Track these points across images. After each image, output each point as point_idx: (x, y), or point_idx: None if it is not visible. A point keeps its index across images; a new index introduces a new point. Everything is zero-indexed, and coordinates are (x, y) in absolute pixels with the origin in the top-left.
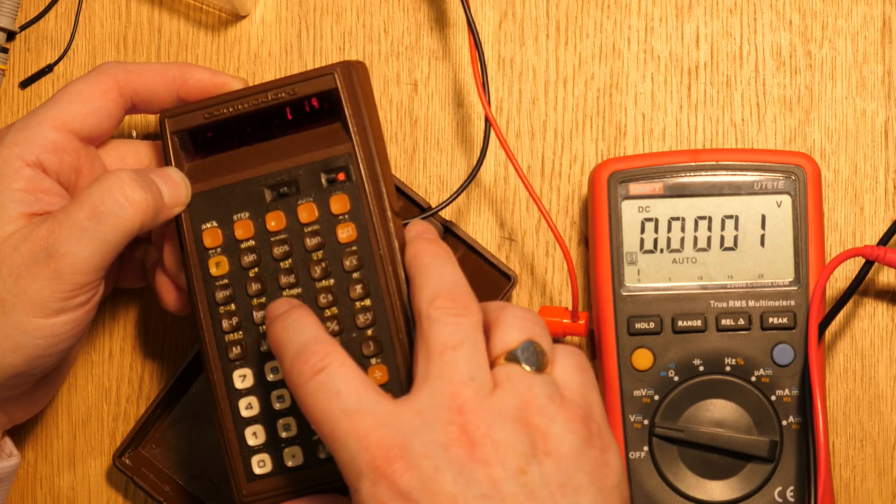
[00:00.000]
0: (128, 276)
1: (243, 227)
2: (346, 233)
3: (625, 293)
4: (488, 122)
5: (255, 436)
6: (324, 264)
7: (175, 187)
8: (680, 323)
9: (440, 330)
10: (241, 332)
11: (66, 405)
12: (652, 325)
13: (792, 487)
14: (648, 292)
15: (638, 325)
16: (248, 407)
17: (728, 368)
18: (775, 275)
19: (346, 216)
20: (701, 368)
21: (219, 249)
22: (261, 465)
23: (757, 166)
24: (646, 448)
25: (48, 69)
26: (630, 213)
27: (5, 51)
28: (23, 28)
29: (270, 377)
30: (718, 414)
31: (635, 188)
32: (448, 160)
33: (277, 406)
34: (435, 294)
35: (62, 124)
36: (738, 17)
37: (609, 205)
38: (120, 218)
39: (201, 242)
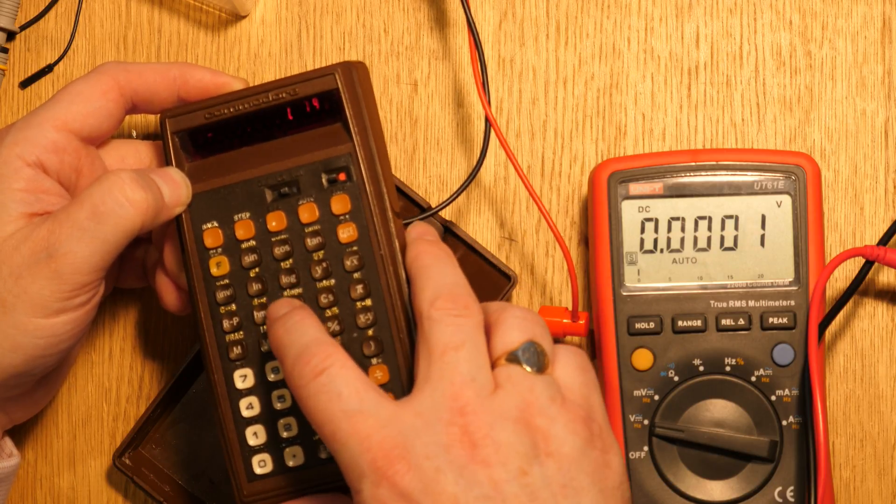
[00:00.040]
0: (128, 276)
1: (244, 228)
2: (346, 233)
3: (625, 293)
4: (488, 122)
5: (255, 436)
6: (325, 264)
7: (176, 187)
8: (680, 323)
9: (441, 331)
10: (241, 332)
11: (66, 405)
12: (652, 325)
13: (792, 487)
14: (648, 292)
15: (638, 325)
16: (249, 407)
17: (728, 368)
18: (775, 275)
19: (347, 216)
20: (701, 368)
21: (219, 249)
22: (261, 464)
23: (757, 166)
24: (646, 448)
25: (48, 69)
26: (630, 213)
27: (5, 51)
28: (23, 28)
29: (271, 377)
30: (718, 414)
31: (635, 188)
32: (448, 160)
33: (278, 406)
34: (436, 295)
35: (63, 124)
36: (738, 17)
37: (609, 205)
38: (120, 218)
39: (202, 242)
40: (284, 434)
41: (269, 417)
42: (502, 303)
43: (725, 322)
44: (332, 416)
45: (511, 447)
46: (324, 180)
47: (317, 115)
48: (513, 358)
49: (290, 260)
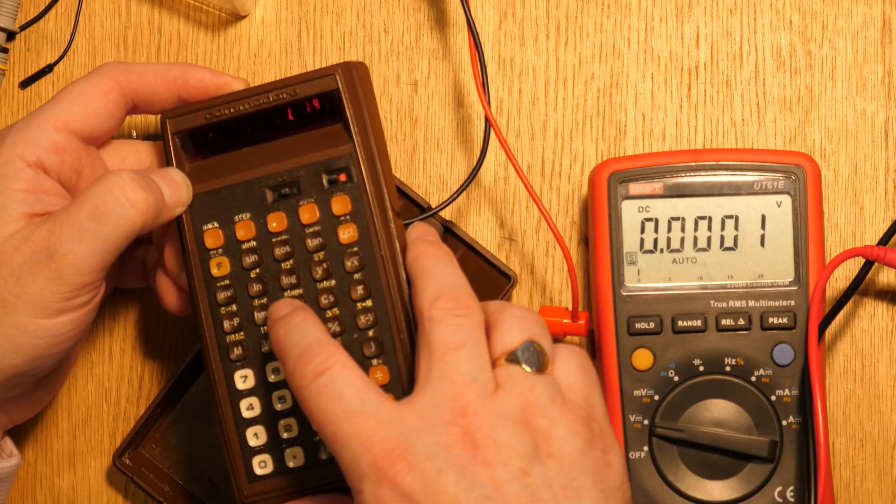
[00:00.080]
0: (128, 277)
1: (245, 228)
2: (347, 233)
3: (625, 293)
4: (488, 122)
5: (256, 436)
6: (325, 265)
7: (176, 188)
8: (680, 323)
9: (442, 331)
10: (242, 333)
11: (66, 405)
12: (652, 325)
13: (792, 487)
14: (648, 292)
15: (638, 325)
16: (250, 408)
17: (728, 368)
18: (775, 275)
19: (348, 217)
20: (701, 368)
21: (220, 250)
22: (262, 465)
23: (757, 166)
24: (646, 448)
25: (48, 69)
26: (630, 213)
27: (5, 51)
28: (23, 28)
29: (272, 378)
30: (718, 414)
31: (635, 188)
32: (448, 160)
33: (279, 407)
34: (436, 295)
35: (63, 125)
36: (738, 17)
37: (609, 205)
38: (121, 218)
39: (202, 243)
40: (285, 435)
41: (269, 418)
42: (502, 302)
43: (725, 322)
44: (334, 416)
45: (512, 448)
46: (324, 181)
47: (317, 115)
48: (512, 358)
49: (291, 261)
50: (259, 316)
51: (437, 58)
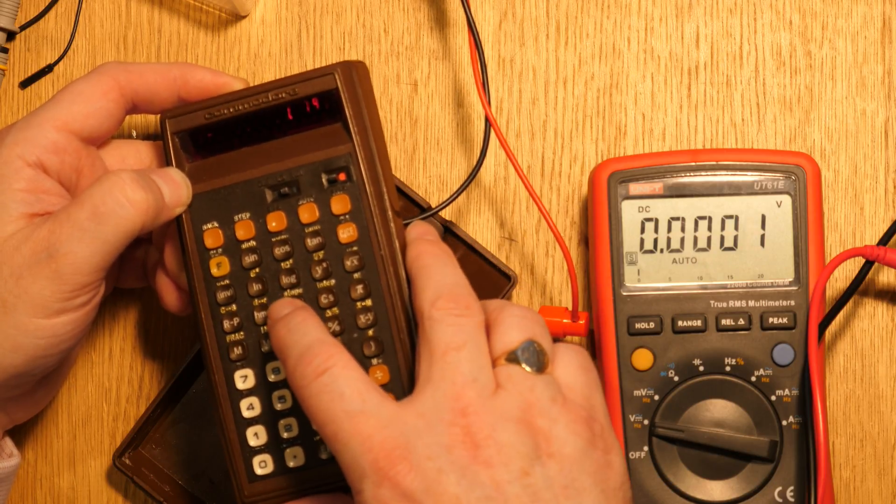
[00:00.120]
0: (128, 277)
1: (244, 228)
2: (346, 233)
3: (625, 293)
4: (488, 122)
5: (256, 436)
6: (325, 264)
7: (176, 188)
8: (680, 323)
9: (442, 331)
10: (242, 333)
11: (66, 405)
12: (652, 325)
13: (792, 487)
14: (648, 292)
15: (638, 325)
16: (250, 407)
17: (728, 368)
18: (775, 275)
19: (347, 216)
20: (701, 368)
21: (220, 250)
22: (262, 465)
23: (757, 166)
24: (646, 448)
25: (48, 69)
26: (630, 213)
27: (5, 51)
28: (23, 28)
29: (272, 377)
30: (718, 414)
31: (635, 188)
32: (448, 160)
33: (279, 406)
34: (437, 295)
35: (63, 125)
36: (738, 17)
37: (609, 205)
38: (121, 218)
39: (202, 243)
40: (285, 434)
41: (269, 418)
42: (501, 301)
43: (725, 322)
44: (334, 416)
45: (513, 448)
46: (324, 180)
47: (317, 114)
48: (512, 357)
49: (291, 260)
50: (259, 315)
51: (437, 58)
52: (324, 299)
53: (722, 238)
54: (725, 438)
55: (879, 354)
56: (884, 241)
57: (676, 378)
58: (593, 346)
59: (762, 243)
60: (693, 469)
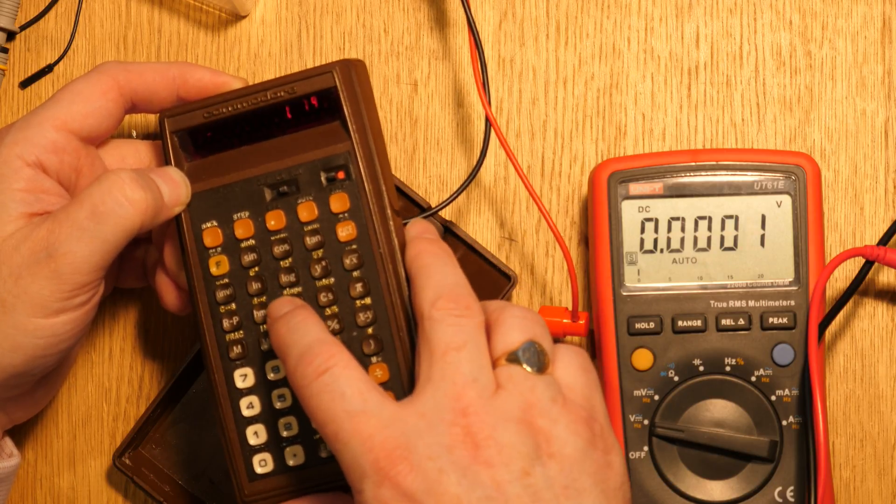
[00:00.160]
0: (128, 276)
1: (243, 227)
2: (345, 231)
3: (625, 293)
4: (488, 122)
5: (256, 435)
6: (324, 263)
7: (175, 187)
8: (680, 323)
9: (443, 331)
10: (241, 332)
11: (66, 405)
12: (652, 325)
13: (792, 487)
14: (648, 292)
15: (638, 325)
16: (250, 406)
17: (728, 368)
18: (775, 275)
19: (346, 214)
20: (701, 368)
21: (219, 249)
22: (262, 464)
23: (757, 166)
24: (646, 448)
25: (48, 69)
26: (630, 213)
27: (5, 51)
28: (23, 28)
29: (271, 376)
30: (718, 414)
31: (635, 188)
32: (448, 160)
33: (278, 405)
34: (437, 295)
35: (62, 124)
36: (738, 17)
37: (609, 205)
38: (120, 218)
39: (201, 242)
40: (285, 433)
41: (269, 416)
42: (502, 302)
43: (725, 322)
44: (335, 415)
45: (513, 448)
46: (322, 179)
47: (315, 113)
48: (513, 358)
49: (290, 259)
50: (258, 314)
51: (437, 58)
52: (323, 298)
53: (722, 238)
54: (725, 438)
55: (879, 354)
56: (884, 241)
57: (676, 378)
58: (593, 346)
59: (762, 243)
60: (693, 469)
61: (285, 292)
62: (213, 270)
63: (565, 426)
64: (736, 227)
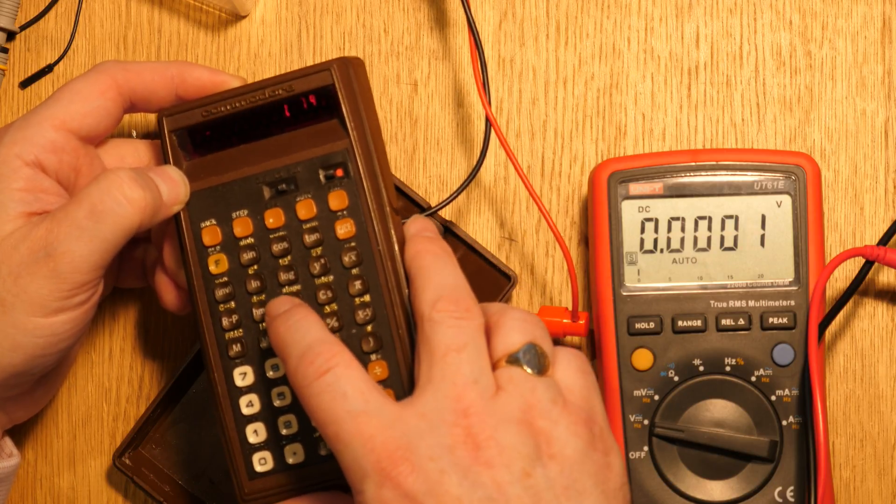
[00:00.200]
0: (128, 276)
1: (242, 225)
2: (344, 229)
3: (625, 293)
4: (488, 122)
5: (256, 433)
6: (323, 261)
7: (174, 185)
8: (680, 323)
9: (443, 333)
10: (241, 330)
11: (66, 405)
12: (652, 325)
13: (792, 487)
14: (648, 292)
15: (638, 325)
16: (249, 404)
17: (728, 368)
18: (775, 275)
19: (345, 212)
20: (701, 368)
21: (218, 247)
22: (262, 462)
23: (757, 166)
24: (646, 448)
25: (48, 69)
26: (630, 213)
27: (5, 51)
28: (23, 28)
29: (271, 374)
30: (718, 414)
31: (635, 188)
32: (448, 160)
33: (278, 403)
34: (437, 297)
35: (61, 123)
36: (738, 17)
37: (609, 205)
38: (119, 217)
39: (200, 240)
40: (284, 431)
41: (269, 415)
42: (502, 304)
43: (725, 322)
44: (336, 416)
45: (514, 449)
46: (321, 177)
47: (314, 111)
48: (514, 360)
49: (289, 257)
50: (257, 313)
51: (437, 58)
52: (322, 295)
53: (722, 238)
54: (725, 438)
55: (879, 354)
56: (884, 241)
57: (676, 378)
58: (593, 346)
59: (762, 243)
60: (693, 469)
61: (284, 290)
62: (212, 269)
63: (566, 427)
64: (736, 227)
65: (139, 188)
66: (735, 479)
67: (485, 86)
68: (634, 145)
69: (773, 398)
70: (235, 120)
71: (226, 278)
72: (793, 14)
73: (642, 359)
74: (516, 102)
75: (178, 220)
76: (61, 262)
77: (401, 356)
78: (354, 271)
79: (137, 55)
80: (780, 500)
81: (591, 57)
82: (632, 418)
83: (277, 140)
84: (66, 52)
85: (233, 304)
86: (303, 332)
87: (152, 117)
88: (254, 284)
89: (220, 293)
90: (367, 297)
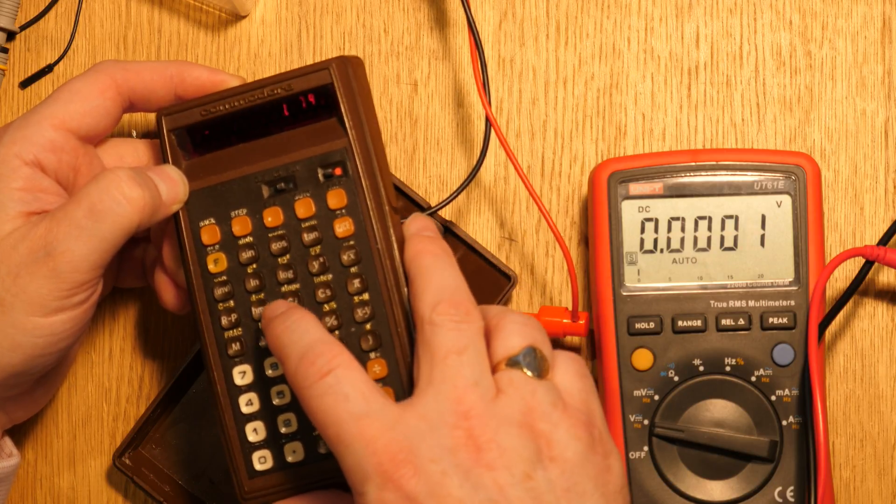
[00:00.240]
0: (127, 276)
1: (241, 224)
2: (343, 227)
3: (625, 293)
4: (488, 122)
5: (255, 432)
6: (322, 259)
7: (173, 185)
8: (680, 323)
9: (444, 335)
10: (240, 329)
11: (66, 405)
12: (652, 325)
13: (792, 487)
14: (648, 292)
15: (638, 325)
16: (249, 403)
17: (728, 368)
18: (775, 275)
19: (344, 211)
20: (701, 368)
21: (217, 246)
22: (262, 461)
23: (757, 166)
24: (646, 448)
25: (48, 69)
26: (630, 213)
27: (5, 51)
28: (23, 28)
29: (270, 373)
30: (718, 414)
31: (635, 188)
32: (448, 160)
33: (277, 402)
34: (437, 300)
35: (60, 123)
36: (738, 17)
37: (609, 205)
38: (118, 216)
39: (199, 239)
40: (284, 430)
41: (268, 413)
42: (501, 307)
43: (725, 322)
44: (338, 418)
45: (515, 451)
46: (320, 175)
47: (312, 110)
48: (514, 363)
49: (288, 255)
50: (256, 311)
51: (437, 58)
52: (321, 294)
53: (722, 238)
54: (725, 438)
55: (879, 354)
56: (884, 241)
57: (676, 378)
58: (593, 346)
59: (762, 243)
60: (693, 469)
61: (283, 289)
62: (211, 268)
63: (566, 430)
64: (736, 227)
65: (138, 187)
66: (735, 479)
67: (485, 86)
68: (634, 145)
69: (773, 398)
70: (234, 119)
71: (225, 277)
72: (793, 14)
73: (642, 359)
74: (516, 102)
75: (177, 219)
76: (60, 261)
77: (399, 354)
78: (353, 270)
79: (137, 55)
80: (780, 500)
81: (591, 57)
82: (632, 418)
83: (276, 139)
84: (66, 52)
85: (232, 302)
86: (301, 332)
87: (152, 117)
88: (253, 283)
89: (218, 292)
90: (365, 296)
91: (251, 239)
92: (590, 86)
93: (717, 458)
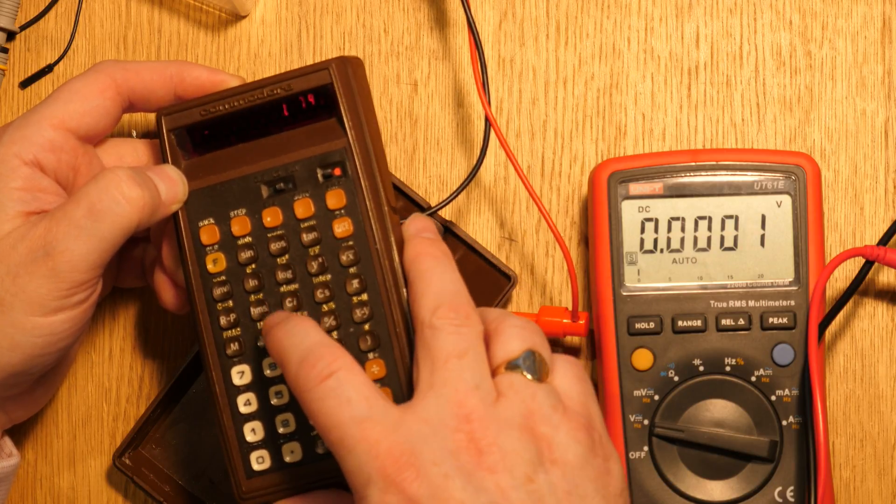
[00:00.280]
0: (127, 276)
1: (240, 224)
2: (342, 228)
3: (625, 293)
4: (488, 122)
5: (253, 432)
6: (321, 259)
7: (172, 184)
8: (680, 323)
9: (444, 339)
10: (238, 329)
11: (66, 405)
12: (652, 325)
13: (792, 487)
14: (648, 292)
15: (638, 325)
16: (247, 403)
17: (728, 368)
18: (775, 275)
19: (343, 211)
20: (701, 368)
21: (216, 246)
22: (260, 461)
23: (757, 166)
24: (646, 448)
25: (48, 69)
26: (630, 213)
27: (5, 51)
28: (23, 28)
29: (268, 373)
30: (718, 414)
31: (635, 188)
32: (448, 160)
33: (275, 402)
34: (437, 303)
35: (60, 123)
36: (738, 17)
37: (609, 205)
38: (117, 216)
39: (198, 239)
40: (282, 430)
41: (266, 413)
42: (500, 311)
43: (725, 322)
44: (340, 421)
45: (516, 454)
46: (319, 175)
47: (312, 110)
48: (514, 366)
49: (286, 255)
50: (255, 311)
51: (437, 58)
52: (320, 294)
53: (722, 238)
54: (725, 438)
55: (879, 354)
56: (884, 241)
57: (676, 378)
58: (593, 346)
59: (762, 243)
60: (693, 469)
61: (282, 289)
62: (210, 268)
63: (566, 433)
64: (736, 227)
65: (137, 187)
66: (735, 479)
67: (485, 86)
68: (634, 145)
69: (773, 398)
70: (234, 119)
71: (223, 277)
72: (793, 14)
73: (642, 359)
74: (516, 102)
75: (177, 219)
76: (60, 261)
77: (398, 355)
78: (352, 270)
79: (137, 55)
80: (780, 500)
81: (591, 57)
82: (632, 418)
83: (276, 139)
84: (66, 52)
85: (230, 302)
86: (301, 335)
87: (152, 117)
88: (251, 283)
89: (217, 292)
90: (364, 296)
91: (250, 239)
92: (590, 86)
93: (717, 458)
